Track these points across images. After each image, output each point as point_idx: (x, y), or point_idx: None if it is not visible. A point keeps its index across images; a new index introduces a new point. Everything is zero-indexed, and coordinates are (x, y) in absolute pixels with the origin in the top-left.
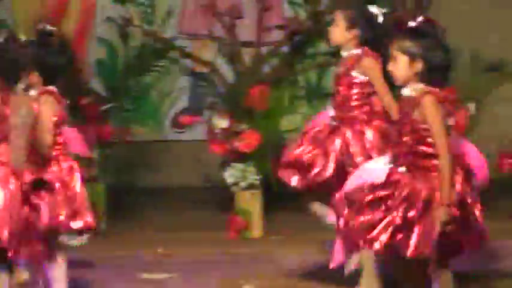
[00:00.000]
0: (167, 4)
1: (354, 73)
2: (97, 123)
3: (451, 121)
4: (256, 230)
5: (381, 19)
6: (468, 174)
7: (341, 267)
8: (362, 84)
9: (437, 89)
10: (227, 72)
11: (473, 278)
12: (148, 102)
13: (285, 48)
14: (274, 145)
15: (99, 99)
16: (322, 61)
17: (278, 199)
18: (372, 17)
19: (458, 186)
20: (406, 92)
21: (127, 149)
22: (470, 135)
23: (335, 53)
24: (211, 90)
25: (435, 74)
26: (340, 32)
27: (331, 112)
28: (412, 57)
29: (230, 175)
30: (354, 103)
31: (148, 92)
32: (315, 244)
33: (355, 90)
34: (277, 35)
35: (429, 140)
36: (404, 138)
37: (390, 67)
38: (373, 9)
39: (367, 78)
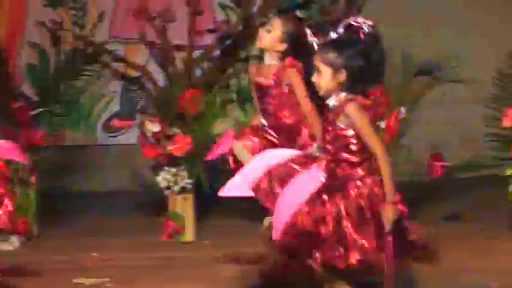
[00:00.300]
0: (98, 8)
1: (284, 84)
2: (28, 127)
3: (382, 124)
4: (189, 234)
5: (310, 40)
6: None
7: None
8: (292, 94)
9: (359, 97)
10: (159, 76)
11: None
12: (80, 106)
13: (216, 52)
14: (206, 149)
15: (30, 103)
16: None
17: (211, 203)
18: (305, 36)
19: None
20: (331, 102)
21: (59, 154)
22: (402, 139)
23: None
24: (143, 94)
25: (358, 82)
26: (272, 39)
27: (262, 121)
28: (336, 69)
29: (162, 179)
30: (285, 113)
31: (80, 96)
32: (247, 248)
33: (285, 101)
34: (208, 39)
35: (352, 147)
36: (328, 147)
37: (314, 78)
38: (308, 30)
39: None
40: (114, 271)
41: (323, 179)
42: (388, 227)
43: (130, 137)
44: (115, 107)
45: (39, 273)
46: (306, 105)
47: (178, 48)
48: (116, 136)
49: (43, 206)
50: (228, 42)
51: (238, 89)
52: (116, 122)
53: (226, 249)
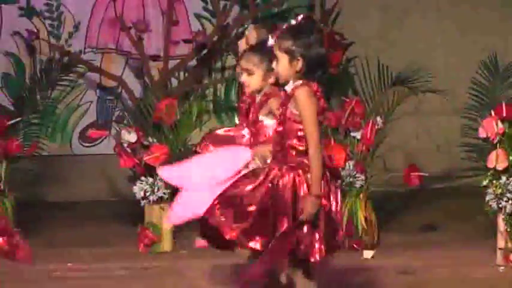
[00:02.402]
0: (74, 18)
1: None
2: (4, 137)
3: (358, 135)
4: (166, 244)
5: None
6: (333, 173)
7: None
8: None
9: (315, 84)
10: (135, 86)
11: None
12: (55, 116)
13: (192, 62)
14: (183, 159)
15: (5, 113)
16: (229, 75)
17: None
18: None
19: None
20: (287, 88)
21: (35, 164)
22: (378, 149)
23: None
24: (119, 104)
25: (313, 69)
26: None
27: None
28: (292, 56)
29: (139, 189)
30: None
31: (56, 106)
32: (224, 258)
33: None
34: (184, 49)
35: (301, 133)
36: (279, 129)
37: (273, 66)
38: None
39: None
40: (90, 281)
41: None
42: (305, 218)
43: (106, 147)
44: (91, 117)
45: (15, 283)
46: None
47: (154, 58)
48: (91, 146)
49: (19, 216)
50: (204, 52)
51: (214, 99)
52: (91, 132)
53: (203, 259)
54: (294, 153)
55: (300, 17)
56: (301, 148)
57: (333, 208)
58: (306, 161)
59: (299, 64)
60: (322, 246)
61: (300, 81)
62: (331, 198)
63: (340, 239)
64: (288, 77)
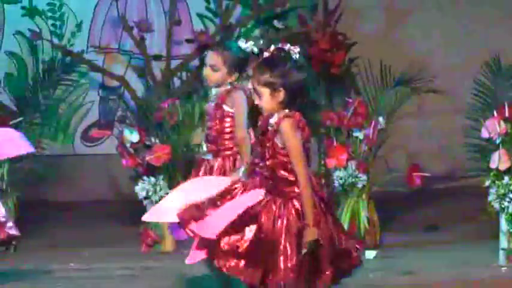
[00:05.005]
0: (77, 18)
1: (224, 106)
2: None
3: (360, 135)
4: (168, 244)
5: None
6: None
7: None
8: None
9: (297, 114)
10: (137, 85)
11: None
12: (58, 115)
13: (194, 62)
14: (185, 159)
15: (8, 112)
16: None
17: None
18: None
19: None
20: (272, 120)
21: (37, 163)
22: (380, 149)
23: None
24: (122, 104)
25: (295, 97)
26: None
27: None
28: (273, 88)
29: (141, 189)
30: (226, 136)
31: (58, 105)
32: None
33: (227, 124)
34: (187, 49)
35: (289, 166)
36: (268, 162)
37: (257, 101)
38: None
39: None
40: (92, 281)
41: (261, 197)
42: (307, 249)
43: (108, 146)
44: (93, 116)
45: (17, 283)
46: (241, 131)
47: (157, 58)
48: (94, 146)
49: (21, 216)
50: (206, 52)
51: None
52: (94, 132)
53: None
54: (285, 184)
55: (271, 48)
56: (291, 179)
57: (335, 236)
58: (297, 189)
59: (281, 95)
60: (331, 272)
61: (283, 112)
62: (331, 227)
63: (352, 263)
64: (272, 109)
